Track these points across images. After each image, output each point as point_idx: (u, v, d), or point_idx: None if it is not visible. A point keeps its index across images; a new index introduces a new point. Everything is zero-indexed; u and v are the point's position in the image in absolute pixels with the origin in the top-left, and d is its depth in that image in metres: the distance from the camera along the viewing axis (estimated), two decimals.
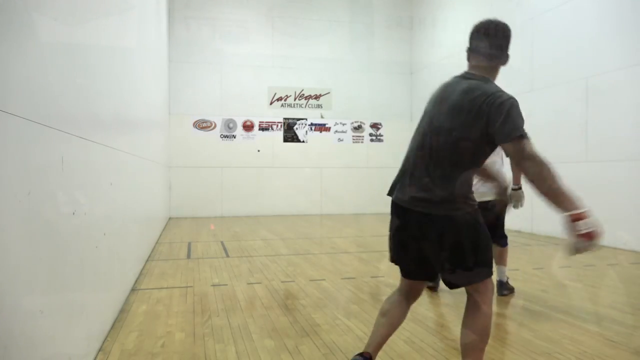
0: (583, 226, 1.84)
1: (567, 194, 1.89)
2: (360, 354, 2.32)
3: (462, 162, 2.11)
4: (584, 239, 1.85)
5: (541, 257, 6.21)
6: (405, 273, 2.39)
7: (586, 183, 7.44)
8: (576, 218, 1.86)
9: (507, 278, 4.24)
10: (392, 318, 2.36)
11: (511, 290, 4.24)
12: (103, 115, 3.21)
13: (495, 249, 4.04)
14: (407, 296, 2.40)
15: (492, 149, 2.14)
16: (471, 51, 2.31)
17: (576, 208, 1.87)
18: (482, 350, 2.20)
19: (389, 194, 2.36)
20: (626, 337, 3.16)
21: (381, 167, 12.84)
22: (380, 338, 2.36)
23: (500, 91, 2.09)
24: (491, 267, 2.20)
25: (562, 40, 8.03)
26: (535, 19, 8.66)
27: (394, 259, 2.39)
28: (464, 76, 2.25)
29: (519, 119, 2.01)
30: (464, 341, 2.21)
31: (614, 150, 6.99)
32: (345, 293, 4.36)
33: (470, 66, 2.30)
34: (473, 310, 2.20)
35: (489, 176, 2.60)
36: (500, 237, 4.18)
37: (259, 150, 12.46)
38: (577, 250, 1.89)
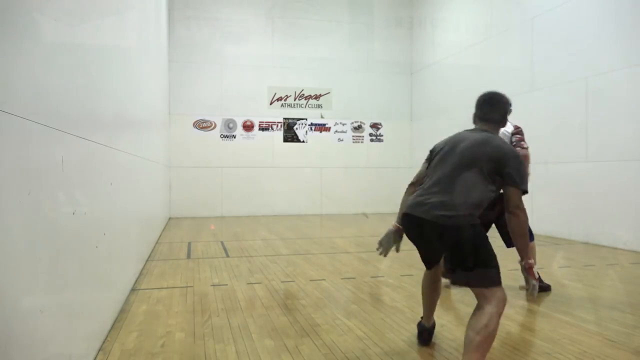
0: (536, 273, 2.51)
1: (528, 246, 2.51)
2: (423, 326, 2.99)
3: (471, 191, 2.47)
4: (537, 282, 2.53)
5: (541, 257, 6.20)
6: (428, 266, 2.90)
7: (586, 183, 7.45)
8: (532, 266, 2.52)
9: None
10: (430, 289, 2.96)
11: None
12: (103, 115, 3.21)
13: None
14: (435, 270, 2.93)
15: (493, 188, 2.52)
16: (478, 116, 2.81)
17: (531, 259, 2.53)
18: (483, 352, 2.29)
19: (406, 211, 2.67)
20: (626, 337, 3.16)
21: (381, 167, 12.86)
22: (427, 306, 2.98)
23: (512, 148, 2.65)
24: (495, 278, 2.38)
25: (562, 40, 8.03)
26: (535, 19, 8.66)
27: (423, 260, 2.84)
28: (477, 129, 2.76)
29: (526, 176, 2.54)
30: (465, 341, 2.34)
31: (614, 150, 6.99)
32: (345, 293, 4.36)
33: (476, 125, 2.80)
34: (478, 314, 2.35)
35: None
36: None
37: (366, 216, 12.00)
38: (534, 289, 2.50)
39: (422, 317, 3.07)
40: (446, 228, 2.42)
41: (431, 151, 2.84)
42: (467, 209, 2.42)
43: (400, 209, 2.78)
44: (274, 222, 10.74)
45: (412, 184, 2.88)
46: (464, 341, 2.33)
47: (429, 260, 2.82)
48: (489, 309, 2.30)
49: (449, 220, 2.40)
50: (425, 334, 3.02)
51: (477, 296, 2.39)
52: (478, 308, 2.36)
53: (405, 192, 2.87)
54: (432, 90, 12.62)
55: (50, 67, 2.08)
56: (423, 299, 3.01)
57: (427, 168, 2.76)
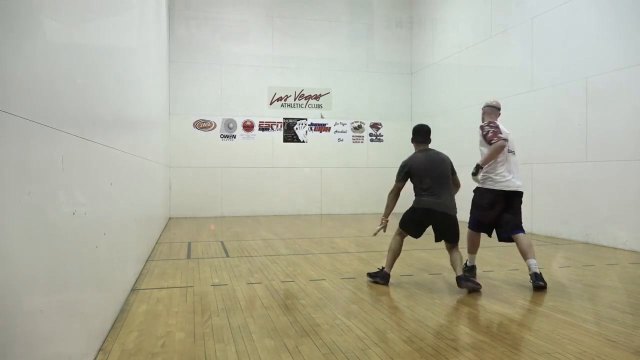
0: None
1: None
2: (381, 271, 4.70)
3: (453, 194, 4.59)
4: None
5: (541, 257, 6.20)
6: (417, 236, 4.65)
7: (586, 183, 7.46)
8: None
9: (539, 270, 4.50)
10: (399, 251, 4.67)
11: (539, 280, 4.41)
12: (103, 115, 3.21)
13: (521, 245, 4.57)
14: (404, 237, 4.69)
15: None
16: (422, 141, 4.68)
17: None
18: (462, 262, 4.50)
19: (420, 205, 4.54)
20: (626, 337, 3.16)
21: (381, 167, 12.85)
22: (393, 262, 4.69)
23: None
24: (458, 238, 4.49)
25: (562, 40, 8.03)
26: (535, 19, 8.66)
27: (414, 233, 4.61)
28: (431, 150, 4.66)
29: None
30: (455, 262, 4.44)
31: (614, 150, 6.99)
32: (345, 293, 4.36)
33: (423, 146, 4.68)
34: (453, 252, 4.46)
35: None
36: (512, 227, 4.66)
37: None
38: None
39: (382, 267, 4.71)
40: (450, 217, 4.44)
41: (403, 167, 4.58)
42: (455, 206, 4.51)
43: (389, 206, 4.64)
44: (274, 222, 10.74)
45: (397, 193, 4.63)
46: (453, 263, 4.42)
47: (420, 233, 4.60)
48: (458, 250, 4.48)
49: (452, 213, 4.46)
50: (388, 278, 4.65)
51: (451, 246, 4.46)
52: (452, 250, 4.46)
53: (394, 195, 4.63)
54: (432, 90, 12.62)
55: (50, 67, 2.08)
56: (390, 256, 4.66)
57: (415, 180, 4.52)
